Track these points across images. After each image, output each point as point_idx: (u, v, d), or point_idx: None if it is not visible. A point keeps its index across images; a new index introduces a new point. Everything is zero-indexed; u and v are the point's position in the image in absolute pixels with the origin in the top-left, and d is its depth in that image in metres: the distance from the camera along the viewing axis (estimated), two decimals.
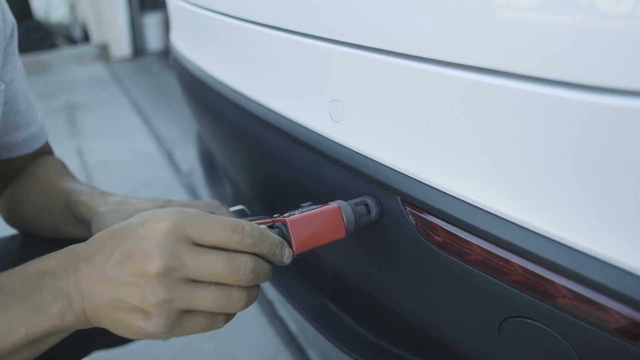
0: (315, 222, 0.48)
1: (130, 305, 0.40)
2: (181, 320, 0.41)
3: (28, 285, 0.42)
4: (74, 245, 0.44)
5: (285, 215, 0.48)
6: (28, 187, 0.71)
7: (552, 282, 0.40)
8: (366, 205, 0.55)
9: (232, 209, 0.72)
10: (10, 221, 0.74)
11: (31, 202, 0.70)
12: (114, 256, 0.40)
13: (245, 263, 0.41)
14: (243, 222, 0.42)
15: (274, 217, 0.48)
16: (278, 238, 0.44)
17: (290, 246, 0.46)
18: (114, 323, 0.41)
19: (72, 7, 5.86)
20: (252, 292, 0.44)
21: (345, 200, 0.53)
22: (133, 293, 0.39)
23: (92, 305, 0.41)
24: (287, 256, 0.44)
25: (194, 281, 0.40)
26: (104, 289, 0.40)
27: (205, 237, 0.40)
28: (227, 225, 0.41)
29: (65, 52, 4.99)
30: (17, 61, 0.66)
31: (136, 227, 0.40)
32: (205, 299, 0.40)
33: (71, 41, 5.86)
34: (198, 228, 0.40)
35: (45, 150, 0.76)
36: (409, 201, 0.52)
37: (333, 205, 0.51)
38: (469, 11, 0.40)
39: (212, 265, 0.40)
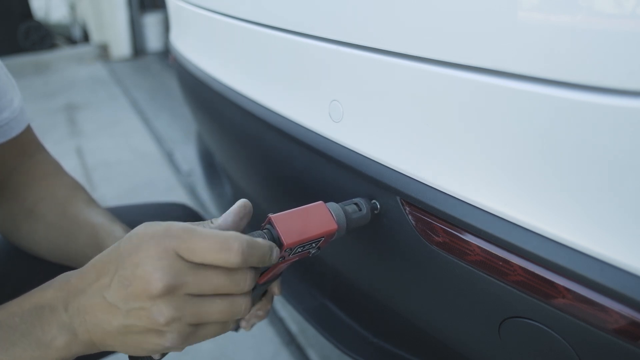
0: (300, 215, 0.48)
1: (141, 328, 0.40)
2: (194, 331, 0.41)
3: (28, 321, 0.42)
4: (67, 274, 0.44)
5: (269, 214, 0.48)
6: (39, 200, 0.65)
7: (552, 283, 0.40)
8: (356, 204, 0.55)
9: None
10: (8, 234, 0.67)
11: (42, 220, 0.65)
12: (113, 284, 0.40)
13: (244, 275, 0.42)
14: (231, 238, 0.40)
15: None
16: (267, 244, 0.43)
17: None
18: (126, 345, 0.42)
19: (72, 7, 5.86)
20: (255, 292, 0.43)
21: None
22: (141, 317, 0.39)
23: (100, 334, 0.41)
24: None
25: (199, 296, 0.40)
26: (111, 318, 0.40)
27: (192, 258, 0.40)
28: (211, 246, 0.39)
29: (65, 52, 4.99)
30: None
31: (129, 253, 0.40)
32: (213, 313, 0.41)
33: (71, 41, 5.86)
34: (183, 248, 0.39)
35: (28, 140, 0.67)
36: (409, 201, 0.52)
37: (317, 202, 0.51)
38: (469, 11, 0.40)
39: (212, 280, 0.40)
